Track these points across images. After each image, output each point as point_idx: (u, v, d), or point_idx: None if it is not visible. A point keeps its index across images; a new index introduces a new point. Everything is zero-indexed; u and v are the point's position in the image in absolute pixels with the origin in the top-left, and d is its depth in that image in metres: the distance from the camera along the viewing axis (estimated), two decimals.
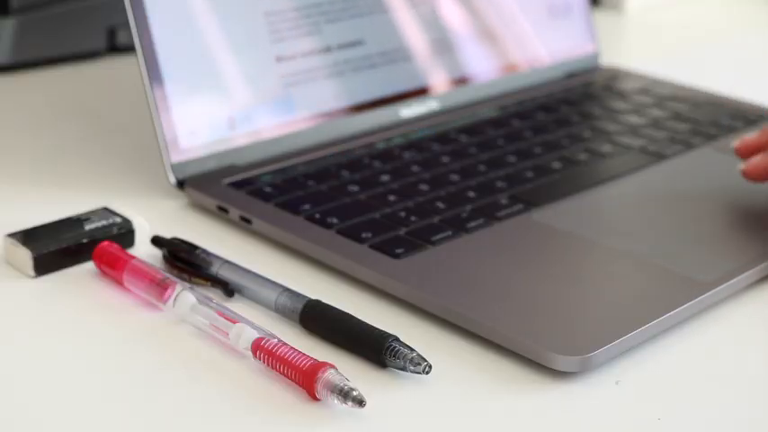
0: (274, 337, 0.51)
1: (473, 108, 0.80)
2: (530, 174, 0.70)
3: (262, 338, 0.51)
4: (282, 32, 0.71)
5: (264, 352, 0.50)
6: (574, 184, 0.69)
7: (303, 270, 0.60)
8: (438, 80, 0.80)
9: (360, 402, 0.48)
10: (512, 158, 0.72)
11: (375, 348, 0.51)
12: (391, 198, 0.65)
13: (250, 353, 0.51)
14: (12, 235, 0.59)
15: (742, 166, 0.66)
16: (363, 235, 0.60)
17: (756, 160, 0.65)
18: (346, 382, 0.48)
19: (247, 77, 0.70)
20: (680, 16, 1.17)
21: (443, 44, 0.80)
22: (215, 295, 0.56)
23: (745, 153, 0.67)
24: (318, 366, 0.49)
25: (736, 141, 0.68)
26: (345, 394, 0.48)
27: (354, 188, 0.66)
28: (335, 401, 0.48)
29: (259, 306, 0.56)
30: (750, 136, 0.67)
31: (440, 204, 0.65)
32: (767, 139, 0.66)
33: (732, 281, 0.58)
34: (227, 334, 0.52)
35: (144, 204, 0.66)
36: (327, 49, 0.74)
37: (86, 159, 0.73)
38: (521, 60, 0.85)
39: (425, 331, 0.55)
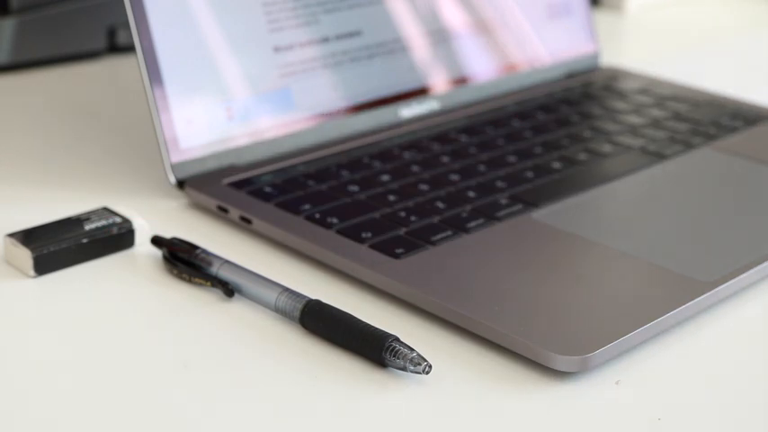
0: None
1: (473, 108, 0.80)
2: (530, 174, 0.70)
3: None
4: (282, 28, 0.71)
5: None
6: (574, 184, 0.69)
7: (303, 270, 0.60)
8: (438, 80, 0.80)
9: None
10: (512, 158, 0.72)
11: (375, 348, 0.51)
12: (391, 198, 0.65)
13: None
14: (12, 235, 0.59)
15: None
16: (363, 235, 0.60)
17: None
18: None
19: (248, 77, 0.70)
20: (680, 16, 1.17)
21: (443, 44, 0.80)
22: (215, 295, 0.56)
23: None
24: None
25: None
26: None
27: (354, 188, 0.66)
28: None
29: (259, 306, 0.56)
30: None
31: (440, 204, 0.65)
32: None
33: (732, 281, 0.58)
34: None
35: (144, 204, 0.66)
36: (326, 46, 0.74)
37: (86, 159, 0.73)
38: (521, 60, 0.85)
39: (425, 331, 0.55)
